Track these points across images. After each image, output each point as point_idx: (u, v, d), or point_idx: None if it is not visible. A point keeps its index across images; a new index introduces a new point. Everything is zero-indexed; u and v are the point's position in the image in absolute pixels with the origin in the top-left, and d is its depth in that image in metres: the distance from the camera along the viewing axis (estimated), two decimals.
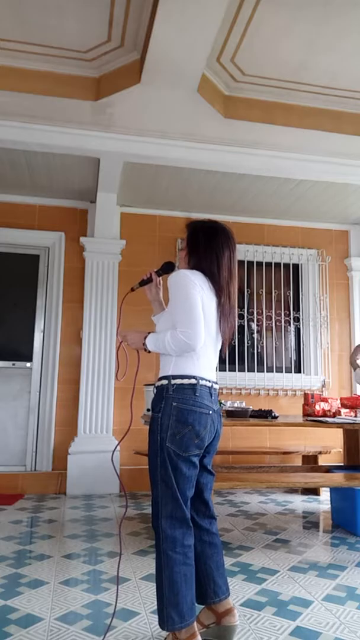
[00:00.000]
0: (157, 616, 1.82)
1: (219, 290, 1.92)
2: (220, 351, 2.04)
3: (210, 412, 1.88)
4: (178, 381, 1.84)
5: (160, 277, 2.20)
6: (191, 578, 1.80)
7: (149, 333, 1.94)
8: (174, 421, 1.81)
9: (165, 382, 1.87)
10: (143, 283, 2.18)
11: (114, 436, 4.73)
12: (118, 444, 2.26)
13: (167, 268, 2.17)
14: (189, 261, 1.98)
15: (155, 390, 1.93)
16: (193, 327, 1.78)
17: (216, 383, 1.97)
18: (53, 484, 4.64)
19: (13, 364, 4.91)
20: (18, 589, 2.43)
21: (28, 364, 4.93)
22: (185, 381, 1.84)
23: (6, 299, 5.02)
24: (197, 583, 1.90)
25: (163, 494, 1.82)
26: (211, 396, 1.90)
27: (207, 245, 1.95)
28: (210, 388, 1.90)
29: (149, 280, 2.16)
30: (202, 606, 1.97)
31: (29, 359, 4.94)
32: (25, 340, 4.97)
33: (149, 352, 1.91)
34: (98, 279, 4.94)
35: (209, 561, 1.94)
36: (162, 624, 1.76)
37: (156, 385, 1.93)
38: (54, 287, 5.01)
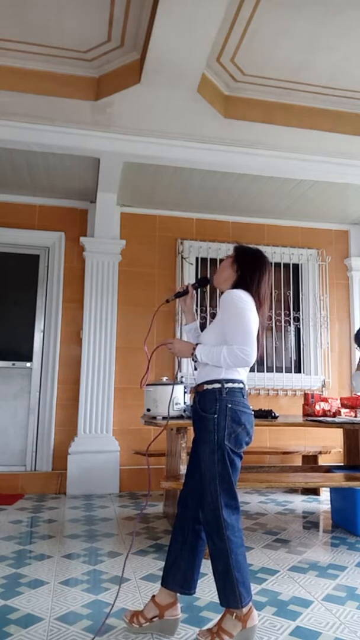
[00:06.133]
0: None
1: (260, 310, 2.12)
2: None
3: (252, 412, 2.10)
4: (230, 385, 2.03)
5: (196, 290, 2.33)
6: (246, 556, 1.99)
7: (197, 344, 2.11)
8: (230, 421, 1.99)
9: (217, 385, 2.03)
10: (179, 295, 2.30)
11: (114, 436, 4.73)
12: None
13: (204, 282, 2.32)
14: (237, 279, 2.16)
15: (201, 393, 2.07)
16: (250, 344, 1.97)
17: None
18: (53, 484, 4.64)
19: (13, 364, 4.91)
20: (18, 589, 2.43)
21: (28, 364, 4.93)
22: (236, 385, 2.04)
23: (6, 299, 5.02)
24: (176, 567, 2.05)
25: (220, 487, 1.97)
26: (247, 398, 2.13)
27: (256, 270, 2.17)
28: (247, 392, 2.13)
29: (185, 292, 2.31)
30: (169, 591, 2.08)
31: (29, 359, 4.94)
32: (25, 340, 4.97)
33: (196, 361, 2.09)
34: (98, 279, 4.94)
35: (195, 557, 2.08)
36: (236, 602, 1.90)
37: (205, 388, 2.06)
38: (54, 287, 5.01)
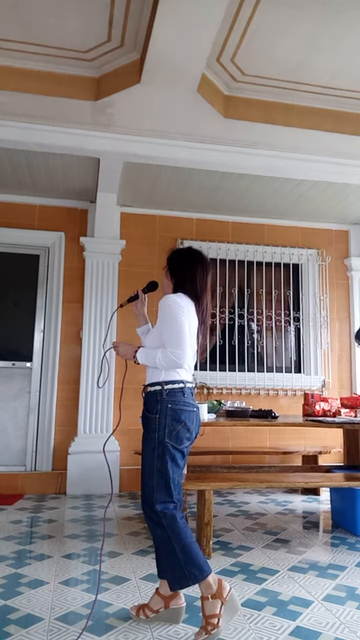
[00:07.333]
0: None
1: (199, 306, 2.22)
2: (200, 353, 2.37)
3: (195, 409, 2.19)
4: (170, 386, 2.12)
5: (146, 294, 2.47)
6: (193, 538, 2.07)
7: (139, 347, 2.22)
8: (170, 420, 2.09)
9: (158, 387, 2.13)
10: (131, 300, 2.45)
11: (114, 436, 4.73)
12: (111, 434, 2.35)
13: (152, 286, 2.44)
14: (174, 284, 2.27)
15: (146, 395, 2.18)
16: (181, 348, 2.08)
17: (194, 383, 2.32)
18: (53, 484, 4.64)
19: (13, 364, 4.91)
20: (18, 589, 2.43)
21: (28, 364, 4.93)
22: (176, 386, 2.13)
23: (6, 299, 5.02)
24: (157, 559, 2.15)
25: (158, 483, 2.07)
26: (192, 395, 2.22)
27: (185, 268, 2.26)
28: (191, 389, 2.22)
29: (135, 297, 2.44)
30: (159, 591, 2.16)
31: (29, 359, 4.94)
32: (25, 340, 4.97)
33: (137, 363, 2.20)
34: (98, 279, 4.94)
35: None
36: (185, 581, 2.00)
37: (149, 390, 2.17)
38: (54, 287, 5.01)
